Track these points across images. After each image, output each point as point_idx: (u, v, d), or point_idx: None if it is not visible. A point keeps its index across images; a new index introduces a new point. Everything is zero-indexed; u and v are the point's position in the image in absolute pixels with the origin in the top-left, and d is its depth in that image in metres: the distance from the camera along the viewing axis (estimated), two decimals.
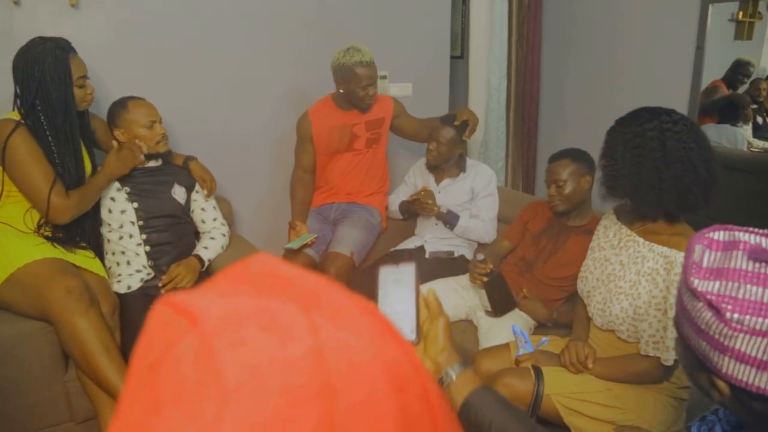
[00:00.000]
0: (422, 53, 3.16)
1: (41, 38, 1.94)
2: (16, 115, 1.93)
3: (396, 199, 2.82)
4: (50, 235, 2.00)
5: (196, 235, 2.40)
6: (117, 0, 2.42)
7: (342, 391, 0.31)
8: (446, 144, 2.55)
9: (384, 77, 3.04)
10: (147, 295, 2.12)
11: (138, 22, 2.48)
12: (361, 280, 2.41)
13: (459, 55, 3.97)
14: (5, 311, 1.89)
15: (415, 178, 2.80)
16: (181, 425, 0.29)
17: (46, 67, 1.89)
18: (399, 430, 0.32)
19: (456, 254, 2.59)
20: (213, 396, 0.29)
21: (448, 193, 2.61)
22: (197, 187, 2.34)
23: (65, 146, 1.96)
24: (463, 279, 2.37)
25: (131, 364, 0.35)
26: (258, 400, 0.29)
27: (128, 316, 2.04)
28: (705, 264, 0.81)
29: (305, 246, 2.53)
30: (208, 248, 2.29)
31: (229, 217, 2.57)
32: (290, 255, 2.53)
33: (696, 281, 0.80)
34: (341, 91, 2.52)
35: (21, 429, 1.91)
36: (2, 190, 1.95)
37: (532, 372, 1.69)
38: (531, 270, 2.24)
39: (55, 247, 1.97)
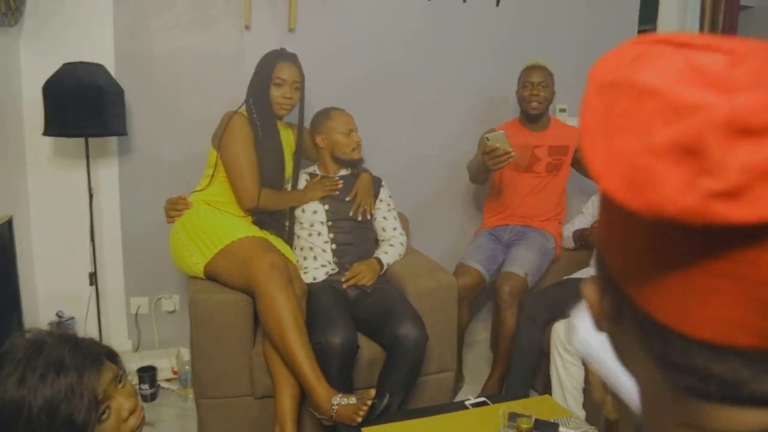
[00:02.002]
0: None
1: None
2: (243, 112, 2.22)
3: (571, 227, 2.74)
4: (257, 220, 2.21)
5: (375, 242, 2.50)
6: (324, 26, 2.73)
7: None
8: None
9: (563, 110, 3.04)
10: (331, 287, 2.25)
11: (343, 45, 2.76)
12: (533, 302, 2.34)
13: None
14: (213, 282, 2.09)
15: (594, 208, 2.71)
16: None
17: (259, 66, 2.25)
18: None
19: None
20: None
21: None
22: (381, 196, 2.47)
23: (269, 143, 2.20)
24: None
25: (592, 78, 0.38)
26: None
27: (313, 303, 2.15)
28: None
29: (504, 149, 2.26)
30: (388, 253, 2.39)
31: (406, 231, 2.66)
32: (461, 269, 2.53)
33: None
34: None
35: (208, 393, 2.06)
36: (214, 172, 2.22)
37: None
38: None
39: (261, 229, 2.17)
